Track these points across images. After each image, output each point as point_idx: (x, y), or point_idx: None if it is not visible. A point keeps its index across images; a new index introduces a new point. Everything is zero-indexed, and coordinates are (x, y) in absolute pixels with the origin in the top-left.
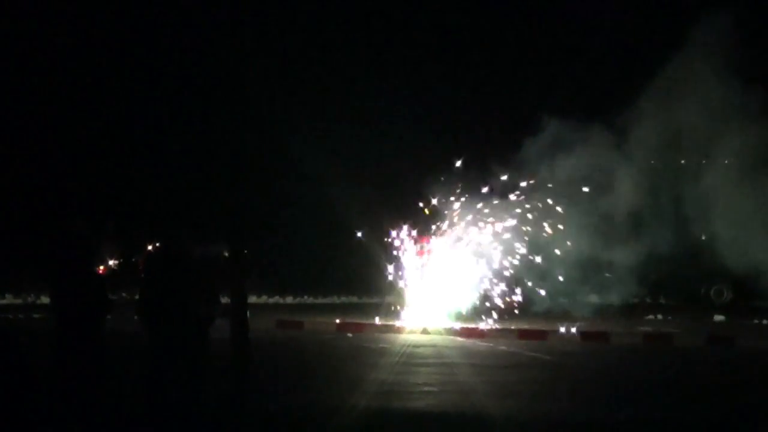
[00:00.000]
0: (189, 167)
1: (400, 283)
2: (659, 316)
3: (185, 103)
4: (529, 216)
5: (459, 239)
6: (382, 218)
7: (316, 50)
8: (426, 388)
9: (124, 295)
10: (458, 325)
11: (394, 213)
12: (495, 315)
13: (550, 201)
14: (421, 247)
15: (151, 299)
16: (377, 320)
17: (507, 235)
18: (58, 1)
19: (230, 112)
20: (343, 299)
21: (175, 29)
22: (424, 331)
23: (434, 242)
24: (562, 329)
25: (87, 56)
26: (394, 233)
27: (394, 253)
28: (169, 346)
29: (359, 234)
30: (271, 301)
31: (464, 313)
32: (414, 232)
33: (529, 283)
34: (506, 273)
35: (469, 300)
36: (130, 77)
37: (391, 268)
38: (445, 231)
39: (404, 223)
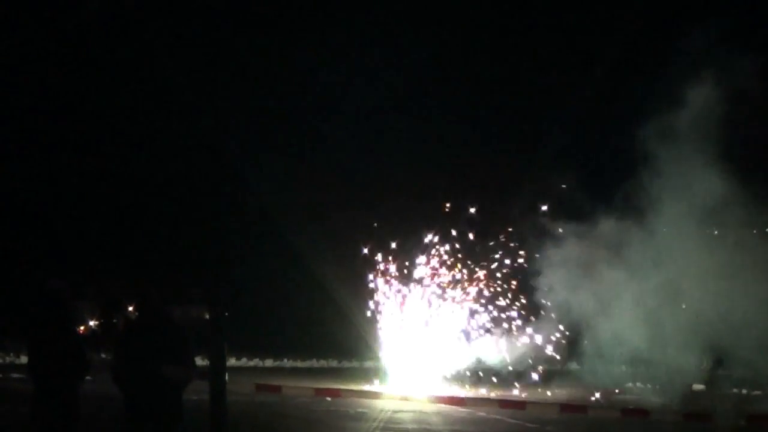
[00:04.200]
0: (169, 230)
1: (380, 347)
2: (638, 384)
3: (166, 167)
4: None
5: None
6: (362, 275)
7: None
8: None
9: (104, 356)
10: (438, 391)
11: (373, 268)
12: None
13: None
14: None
15: (127, 362)
16: (356, 385)
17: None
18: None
19: (209, 175)
20: (323, 363)
21: (158, 88)
22: (404, 398)
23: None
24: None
25: (66, 118)
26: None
27: (373, 309)
28: (144, 409)
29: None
30: (251, 363)
31: (452, 377)
32: (396, 287)
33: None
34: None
35: (455, 364)
36: (114, 140)
37: (370, 329)
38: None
39: (384, 279)
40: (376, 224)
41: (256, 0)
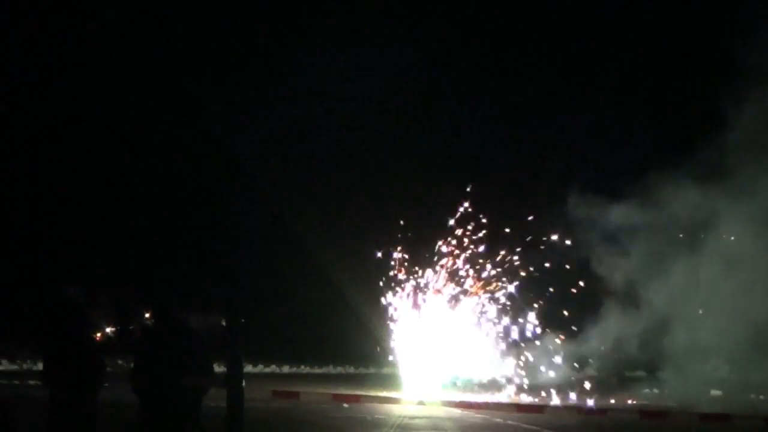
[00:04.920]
0: (186, 238)
1: (396, 353)
2: (656, 390)
3: (183, 176)
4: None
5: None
6: (378, 281)
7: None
8: None
9: (120, 362)
10: (454, 397)
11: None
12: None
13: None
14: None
15: (146, 370)
16: (373, 391)
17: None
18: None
19: (226, 183)
20: (339, 369)
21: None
22: (420, 403)
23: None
24: (558, 403)
25: (82, 124)
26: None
27: (390, 317)
28: (162, 417)
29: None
30: (267, 370)
31: (474, 383)
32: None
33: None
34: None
35: (475, 369)
36: (132, 148)
37: (386, 335)
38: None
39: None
40: (394, 230)
41: (275, 4)
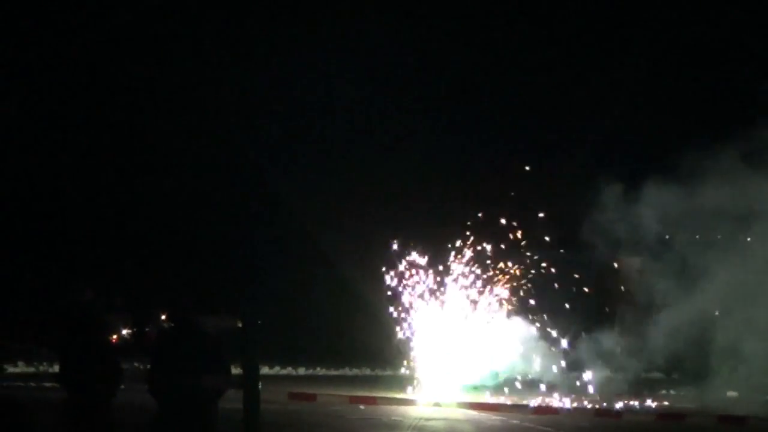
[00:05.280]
0: (200, 240)
1: (412, 355)
2: (672, 392)
3: (196, 177)
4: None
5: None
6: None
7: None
8: None
9: (136, 364)
10: (471, 398)
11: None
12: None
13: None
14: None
15: (162, 372)
16: (389, 393)
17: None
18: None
19: (238, 184)
20: (356, 371)
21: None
22: (436, 405)
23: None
24: (574, 405)
25: (97, 128)
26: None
27: (405, 318)
28: (179, 419)
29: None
30: (283, 372)
31: (491, 384)
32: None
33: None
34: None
35: (489, 371)
36: (142, 151)
37: (401, 334)
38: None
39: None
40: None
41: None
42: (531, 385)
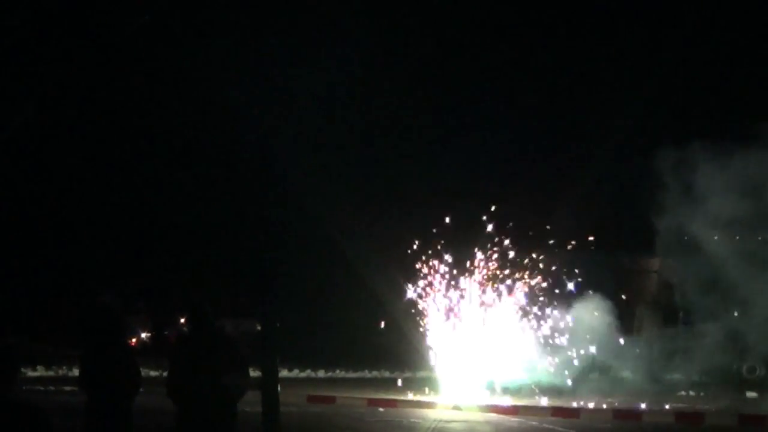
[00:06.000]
0: (218, 243)
1: (431, 357)
2: (691, 393)
3: (214, 180)
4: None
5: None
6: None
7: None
8: None
9: (155, 368)
10: (490, 401)
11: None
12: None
13: None
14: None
15: (181, 376)
16: (409, 395)
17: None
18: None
19: (257, 186)
20: (375, 373)
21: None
22: (456, 407)
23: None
24: (594, 406)
25: (121, 131)
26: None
27: (424, 322)
28: (198, 422)
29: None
30: (302, 375)
31: (512, 389)
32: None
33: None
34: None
35: (512, 373)
36: (166, 155)
37: (421, 338)
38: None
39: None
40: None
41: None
42: (551, 387)
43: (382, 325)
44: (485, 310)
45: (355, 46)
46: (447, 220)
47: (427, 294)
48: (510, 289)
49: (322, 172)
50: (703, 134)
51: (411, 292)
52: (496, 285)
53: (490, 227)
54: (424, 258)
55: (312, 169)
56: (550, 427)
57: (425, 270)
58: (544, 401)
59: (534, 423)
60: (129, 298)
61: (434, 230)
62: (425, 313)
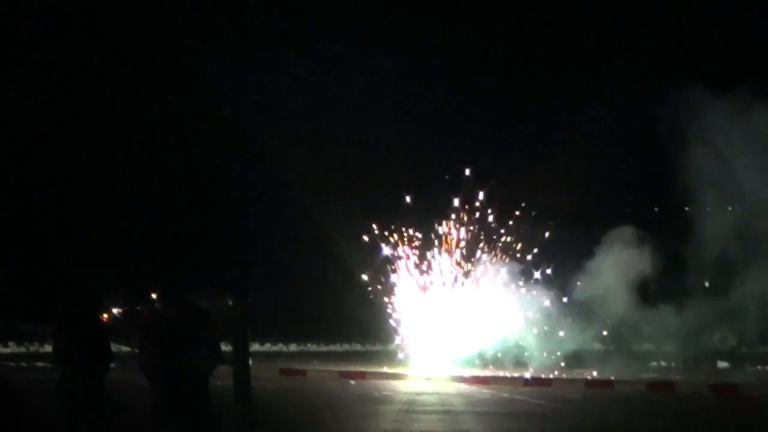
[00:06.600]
0: (192, 218)
1: (402, 330)
2: (663, 363)
3: (188, 153)
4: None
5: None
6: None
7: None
8: None
9: (128, 343)
10: (462, 372)
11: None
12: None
13: None
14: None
15: (154, 351)
16: (380, 368)
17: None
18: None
19: (230, 160)
20: (346, 347)
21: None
22: (428, 379)
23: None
24: (565, 376)
25: (91, 107)
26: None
27: (394, 294)
28: (171, 396)
29: (363, 277)
30: (275, 348)
31: (479, 361)
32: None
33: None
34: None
35: (478, 347)
36: (132, 134)
37: (392, 312)
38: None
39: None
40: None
41: None
42: (524, 358)
43: (354, 299)
44: (457, 283)
45: (315, 21)
46: (408, 199)
47: (398, 266)
48: (484, 263)
49: (298, 150)
50: None
51: (380, 258)
52: (471, 258)
53: (456, 202)
54: (393, 227)
55: (288, 146)
56: (522, 398)
57: (394, 239)
58: (517, 373)
59: (505, 395)
60: (102, 274)
61: (407, 199)
62: (396, 285)
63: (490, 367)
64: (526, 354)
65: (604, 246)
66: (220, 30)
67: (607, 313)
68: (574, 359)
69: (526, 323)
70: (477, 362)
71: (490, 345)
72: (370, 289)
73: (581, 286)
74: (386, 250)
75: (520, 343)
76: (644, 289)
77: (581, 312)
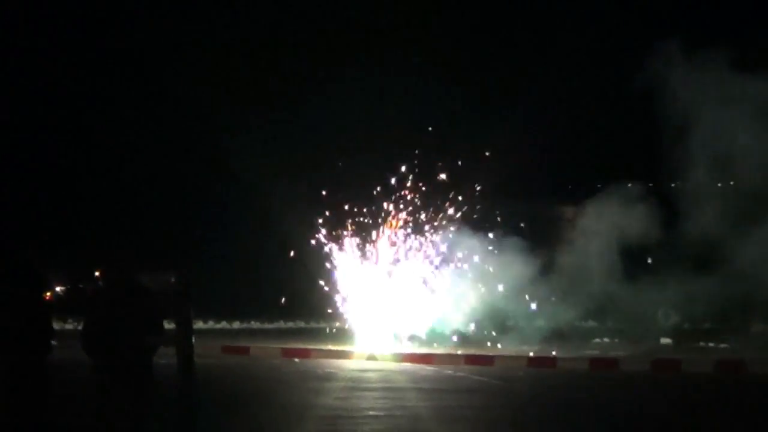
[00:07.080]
0: (137, 196)
1: (347, 307)
2: (606, 340)
3: (134, 133)
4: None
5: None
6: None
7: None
8: (372, 413)
9: (70, 321)
10: (405, 350)
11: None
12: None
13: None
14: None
15: (97, 329)
16: (323, 345)
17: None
18: None
19: (178, 140)
20: (290, 324)
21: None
22: (371, 357)
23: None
24: (510, 353)
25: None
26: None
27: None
28: (115, 375)
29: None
30: (218, 326)
31: (422, 337)
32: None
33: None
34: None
35: (421, 324)
36: (76, 112)
37: (334, 289)
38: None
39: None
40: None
41: None
42: (465, 336)
43: (298, 277)
44: (397, 261)
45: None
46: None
47: (342, 246)
48: (421, 238)
49: (242, 129)
50: None
51: (322, 235)
52: (409, 234)
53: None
54: (335, 203)
55: (232, 126)
56: (464, 375)
57: (335, 218)
58: (459, 351)
59: (449, 372)
60: (45, 250)
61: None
62: (339, 262)
63: (434, 345)
64: (464, 331)
65: (544, 222)
66: None
67: (552, 291)
68: (518, 336)
69: (462, 300)
70: (422, 339)
71: (431, 323)
72: (313, 266)
73: (521, 263)
74: (329, 227)
75: (459, 320)
76: (588, 265)
77: (521, 288)
